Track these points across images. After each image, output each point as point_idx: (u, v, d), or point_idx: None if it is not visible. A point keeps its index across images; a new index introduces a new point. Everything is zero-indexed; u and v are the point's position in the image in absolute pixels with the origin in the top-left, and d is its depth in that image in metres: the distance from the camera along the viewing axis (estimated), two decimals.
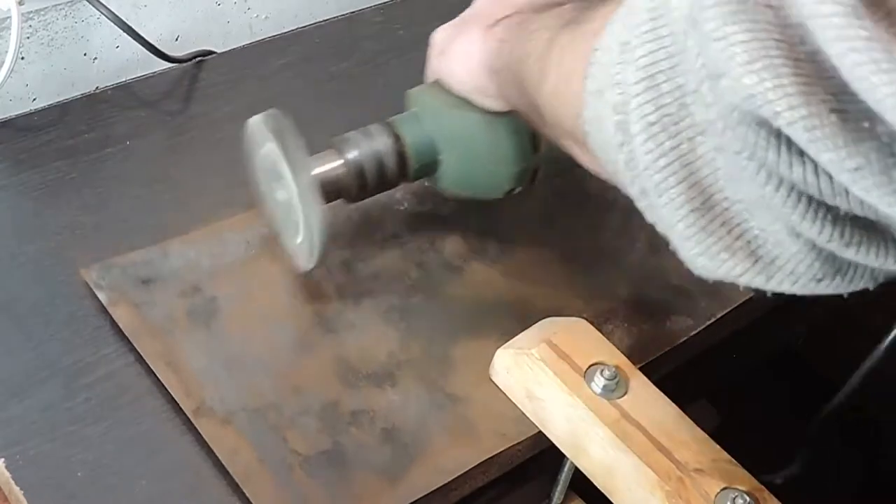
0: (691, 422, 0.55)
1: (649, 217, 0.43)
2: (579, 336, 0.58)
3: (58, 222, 0.74)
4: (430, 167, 0.70)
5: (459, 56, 0.66)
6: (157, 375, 0.64)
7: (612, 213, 0.78)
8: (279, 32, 0.95)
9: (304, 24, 0.96)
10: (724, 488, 0.52)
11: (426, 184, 0.73)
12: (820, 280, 0.40)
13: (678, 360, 0.71)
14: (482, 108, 0.67)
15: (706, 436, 0.55)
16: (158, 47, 0.86)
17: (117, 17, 0.83)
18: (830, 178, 0.34)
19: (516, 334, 0.59)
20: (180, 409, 0.63)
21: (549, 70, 0.51)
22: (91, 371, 0.65)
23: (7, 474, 0.59)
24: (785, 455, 0.84)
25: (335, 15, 0.98)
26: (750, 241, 0.40)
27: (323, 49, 0.93)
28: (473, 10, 0.69)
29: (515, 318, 0.64)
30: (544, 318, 0.61)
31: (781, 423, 0.93)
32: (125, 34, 0.84)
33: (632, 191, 0.43)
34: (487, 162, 0.70)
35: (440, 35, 0.70)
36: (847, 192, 0.34)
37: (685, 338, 0.71)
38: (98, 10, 0.83)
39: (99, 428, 0.62)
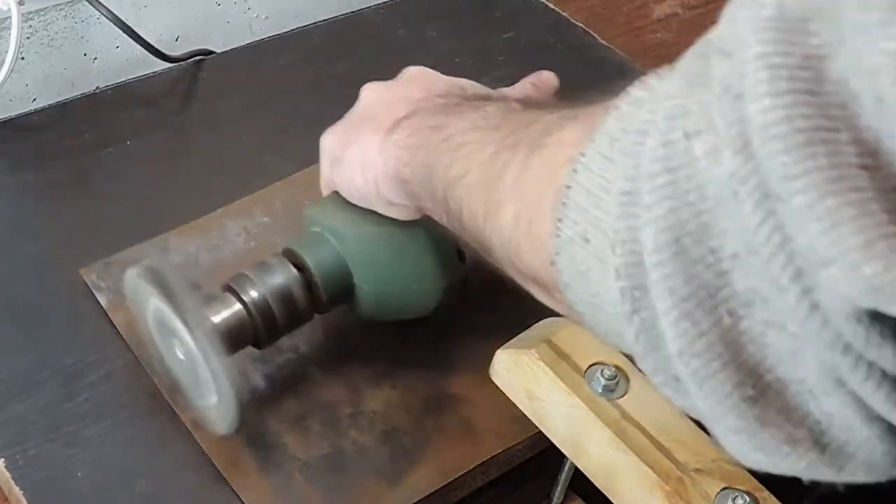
0: (691, 422, 0.55)
1: (671, 396, 0.36)
2: (579, 336, 0.57)
3: (58, 222, 0.74)
4: (344, 296, 0.62)
5: (357, 165, 0.58)
6: (157, 385, 0.64)
7: None
8: (279, 32, 0.95)
9: (304, 24, 0.96)
10: (724, 488, 0.52)
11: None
12: None
13: None
14: (393, 220, 0.59)
15: (706, 436, 0.55)
16: (158, 47, 0.86)
17: (117, 17, 0.83)
18: None
19: (516, 334, 0.59)
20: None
21: (503, 200, 0.43)
22: (91, 371, 0.65)
23: (7, 474, 0.59)
24: None
25: (335, 15, 0.98)
26: (811, 427, 0.33)
27: (323, 49, 0.93)
28: (363, 111, 0.61)
29: (515, 318, 0.64)
30: (544, 318, 0.61)
31: None
32: (125, 34, 0.84)
33: (645, 366, 0.36)
34: (410, 281, 0.62)
35: (329, 141, 0.62)
36: None
37: None
38: (98, 10, 0.83)
39: (99, 428, 0.62)
